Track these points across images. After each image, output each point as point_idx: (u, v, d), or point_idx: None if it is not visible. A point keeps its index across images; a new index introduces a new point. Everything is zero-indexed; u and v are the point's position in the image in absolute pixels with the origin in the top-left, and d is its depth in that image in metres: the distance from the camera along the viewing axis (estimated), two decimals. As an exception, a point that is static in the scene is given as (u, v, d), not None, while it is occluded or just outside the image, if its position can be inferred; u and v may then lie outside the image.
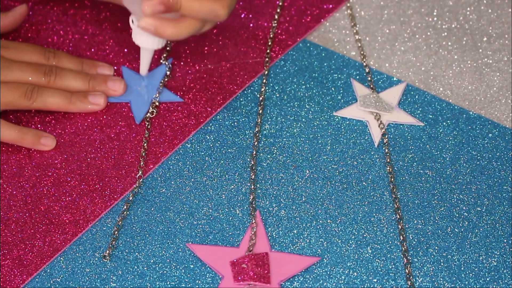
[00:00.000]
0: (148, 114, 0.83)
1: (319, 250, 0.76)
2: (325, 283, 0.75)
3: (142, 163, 0.80)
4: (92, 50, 0.87)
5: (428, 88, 0.85)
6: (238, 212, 0.78)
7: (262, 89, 0.85)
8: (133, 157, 0.81)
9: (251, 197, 0.78)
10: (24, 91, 0.81)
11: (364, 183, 0.80)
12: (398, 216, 0.78)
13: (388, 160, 0.81)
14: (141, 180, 0.79)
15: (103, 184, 0.79)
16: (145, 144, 0.81)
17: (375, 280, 0.75)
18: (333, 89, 0.85)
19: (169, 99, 0.84)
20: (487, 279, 0.75)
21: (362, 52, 0.87)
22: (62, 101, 0.82)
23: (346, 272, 0.75)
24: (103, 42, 0.87)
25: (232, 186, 0.79)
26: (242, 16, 0.89)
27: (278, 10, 0.89)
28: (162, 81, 0.85)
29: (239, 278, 0.74)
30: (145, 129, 0.82)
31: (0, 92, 0.80)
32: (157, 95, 0.84)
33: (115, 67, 0.86)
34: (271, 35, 0.87)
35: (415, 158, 0.81)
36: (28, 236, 0.76)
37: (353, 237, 0.77)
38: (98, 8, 0.88)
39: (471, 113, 0.84)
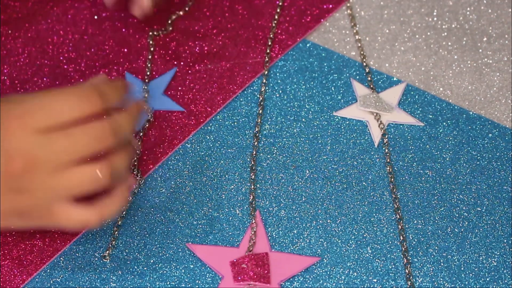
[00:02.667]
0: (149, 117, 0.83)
1: (319, 250, 0.76)
2: (325, 283, 0.75)
3: (141, 163, 0.80)
4: (92, 50, 0.87)
5: (428, 88, 0.85)
6: (238, 212, 0.78)
7: (262, 89, 0.85)
8: (133, 157, 0.81)
9: (251, 197, 0.78)
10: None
11: (364, 183, 0.80)
12: (398, 216, 0.78)
13: (388, 160, 0.81)
14: (141, 180, 0.79)
15: (103, 184, 0.79)
16: (144, 145, 0.81)
17: (375, 280, 0.75)
18: (333, 89, 0.85)
19: (170, 108, 0.83)
20: (487, 279, 0.75)
21: (362, 52, 0.87)
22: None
23: (346, 272, 0.75)
24: (103, 42, 0.87)
25: (232, 186, 0.79)
26: (242, 16, 0.89)
27: (278, 10, 0.89)
28: (164, 91, 0.84)
29: (239, 278, 0.74)
30: (145, 129, 0.82)
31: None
32: (157, 106, 0.83)
33: (115, 67, 0.86)
34: (271, 35, 0.87)
35: (415, 158, 0.81)
36: (28, 236, 0.76)
37: (353, 237, 0.77)
38: (98, 8, 0.88)
39: (471, 113, 0.84)
